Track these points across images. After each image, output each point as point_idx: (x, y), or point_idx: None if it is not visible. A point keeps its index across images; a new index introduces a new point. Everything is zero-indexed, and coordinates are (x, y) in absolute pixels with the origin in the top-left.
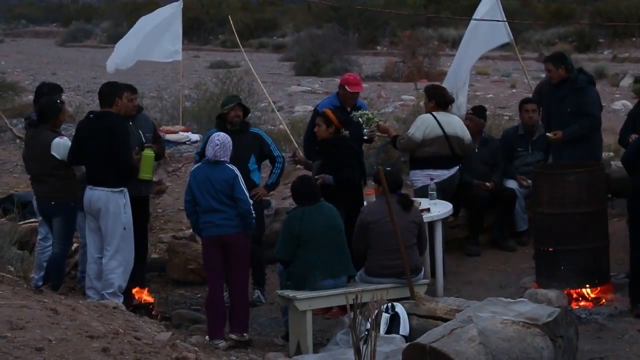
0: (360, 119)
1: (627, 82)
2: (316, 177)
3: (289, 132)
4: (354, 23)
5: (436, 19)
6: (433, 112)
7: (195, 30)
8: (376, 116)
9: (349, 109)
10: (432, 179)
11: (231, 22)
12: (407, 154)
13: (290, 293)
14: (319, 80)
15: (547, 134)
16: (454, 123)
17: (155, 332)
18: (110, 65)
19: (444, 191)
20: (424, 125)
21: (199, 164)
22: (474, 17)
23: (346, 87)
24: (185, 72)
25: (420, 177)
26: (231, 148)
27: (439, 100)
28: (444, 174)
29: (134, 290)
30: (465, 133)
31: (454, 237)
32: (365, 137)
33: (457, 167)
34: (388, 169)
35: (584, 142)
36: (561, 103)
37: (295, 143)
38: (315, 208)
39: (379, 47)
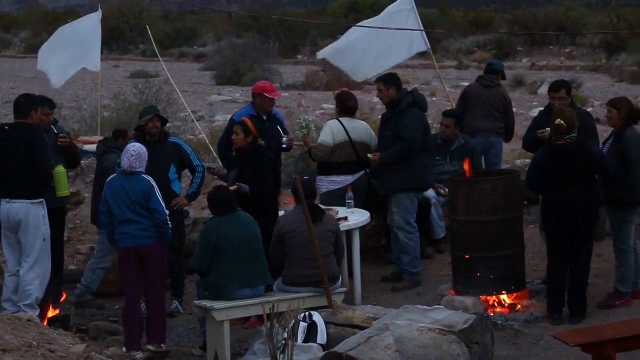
0: (304, 125)
1: (545, 89)
2: (232, 186)
3: (208, 141)
4: (275, 32)
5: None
6: (340, 118)
7: (115, 39)
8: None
9: (264, 118)
10: (349, 187)
11: (149, 32)
12: None
13: (207, 303)
14: (239, 89)
15: (369, 154)
16: (360, 128)
17: (70, 345)
18: (55, 81)
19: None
20: (331, 131)
21: (114, 174)
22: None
23: (265, 95)
24: (104, 82)
25: (325, 182)
26: (147, 158)
27: (345, 106)
28: (347, 179)
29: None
30: (372, 138)
31: (372, 245)
32: (284, 146)
33: (362, 172)
34: (306, 177)
35: (403, 167)
36: (385, 125)
37: (214, 152)
38: (232, 217)
39: (299, 56)
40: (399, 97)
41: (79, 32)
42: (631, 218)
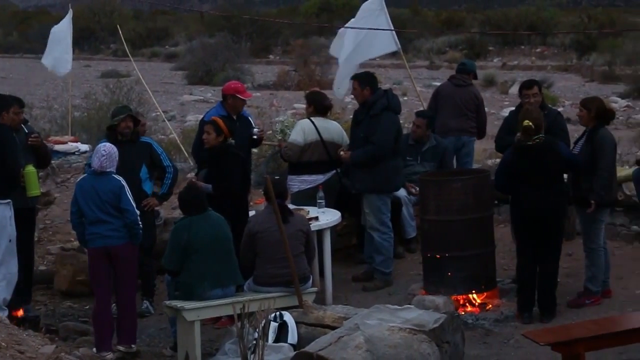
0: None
1: (516, 89)
2: (192, 182)
3: (179, 141)
4: (247, 32)
5: (329, 27)
6: (311, 118)
7: (87, 39)
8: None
9: (234, 117)
10: (320, 187)
11: (120, 32)
12: None
13: (178, 303)
14: (211, 89)
15: (340, 151)
16: (332, 129)
17: (40, 345)
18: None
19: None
20: (302, 131)
21: (85, 174)
22: (357, 18)
23: (238, 95)
24: (76, 82)
25: (296, 182)
26: (117, 158)
27: (318, 106)
28: (318, 179)
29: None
30: (343, 139)
31: (343, 244)
32: (255, 137)
33: (334, 171)
34: (277, 177)
35: (373, 168)
36: (357, 126)
37: (186, 152)
38: (203, 218)
39: (271, 56)
40: (373, 99)
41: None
42: (601, 217)
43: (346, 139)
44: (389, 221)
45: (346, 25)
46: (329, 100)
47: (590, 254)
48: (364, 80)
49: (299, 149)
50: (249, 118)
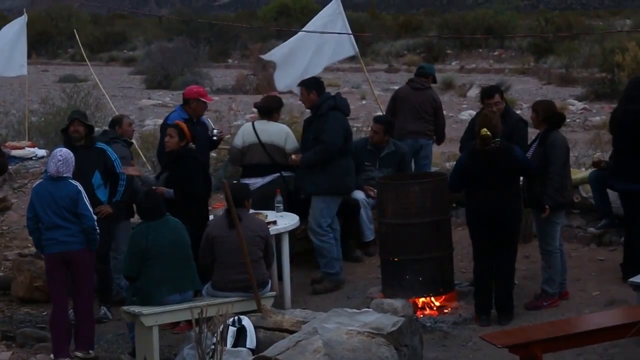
0: None
1: (474, 92)
2: (154, 188)
3: (137, 146)
4: (205, 36)
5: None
6: (254, 121)
7: (44, 44)
8: None
9: (195, 121)
10: (277, 191)
11: (77, 37)
12: None
13: (136, 309)
14: (170, 93)
15: (292, 156)
16: (272, 131)
17: None
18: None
19: (262, 200)
20: (242, 133)
21: (41, 180)
22: (314, 22)
23: (201, 99)
24: (33, 87)
25: None
26: (74, 163)
27: (260, 108)
28: (257, 181)
29: None
30: (286, 141)
31: (302, 248)
32: (215, 138)
33: (277, 174)
34: (234, 182)
35: (322, 170)
36: (307, 129)
37: (143, 157)
38: (161, 223)
39: (230, 60)
40: (320, 101)
41: (9, 38)
42: (557, 220)
43: (290, 140)
44: (331, 223)
45: (303, 29)
46: (274, 102)
47: (546, 256)
48: (310, 85)
49: (239, 152)
50: (206, 122)
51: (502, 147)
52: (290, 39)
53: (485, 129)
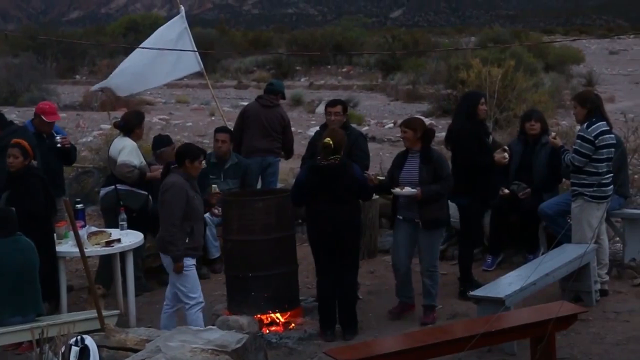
0: None
1: (322, 108)
2: None
3: None
4: (52, 52)
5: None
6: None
7: None
8: None
9: (45, 136)
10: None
11: None
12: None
13: None
14: (16, 109)
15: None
16: (115, 145)
17: None
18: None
19: (104, 210)
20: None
21: None
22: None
23: (42, 117)
24: None
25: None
26: None
27: (121, 128)
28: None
29: None
30: (120, 155)
31: (149, 266)
32: (59, 145)
33: (111, 187)
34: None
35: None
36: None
37: None
38: (11, 242)
39: (77, 76)
40: None
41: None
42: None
43: (125, 155)
44: None
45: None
46: (134, 119)
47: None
48: None
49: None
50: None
51: (342, 164)
52: (131, 54)
53: (329, 139)
